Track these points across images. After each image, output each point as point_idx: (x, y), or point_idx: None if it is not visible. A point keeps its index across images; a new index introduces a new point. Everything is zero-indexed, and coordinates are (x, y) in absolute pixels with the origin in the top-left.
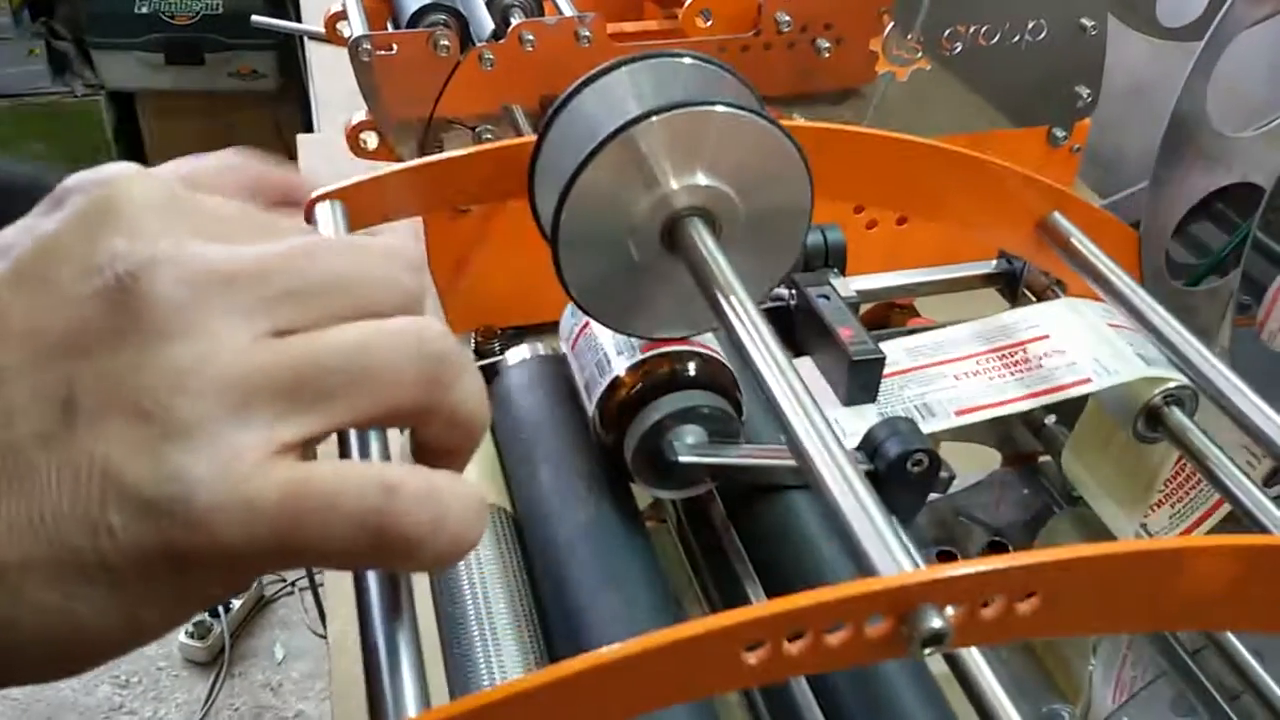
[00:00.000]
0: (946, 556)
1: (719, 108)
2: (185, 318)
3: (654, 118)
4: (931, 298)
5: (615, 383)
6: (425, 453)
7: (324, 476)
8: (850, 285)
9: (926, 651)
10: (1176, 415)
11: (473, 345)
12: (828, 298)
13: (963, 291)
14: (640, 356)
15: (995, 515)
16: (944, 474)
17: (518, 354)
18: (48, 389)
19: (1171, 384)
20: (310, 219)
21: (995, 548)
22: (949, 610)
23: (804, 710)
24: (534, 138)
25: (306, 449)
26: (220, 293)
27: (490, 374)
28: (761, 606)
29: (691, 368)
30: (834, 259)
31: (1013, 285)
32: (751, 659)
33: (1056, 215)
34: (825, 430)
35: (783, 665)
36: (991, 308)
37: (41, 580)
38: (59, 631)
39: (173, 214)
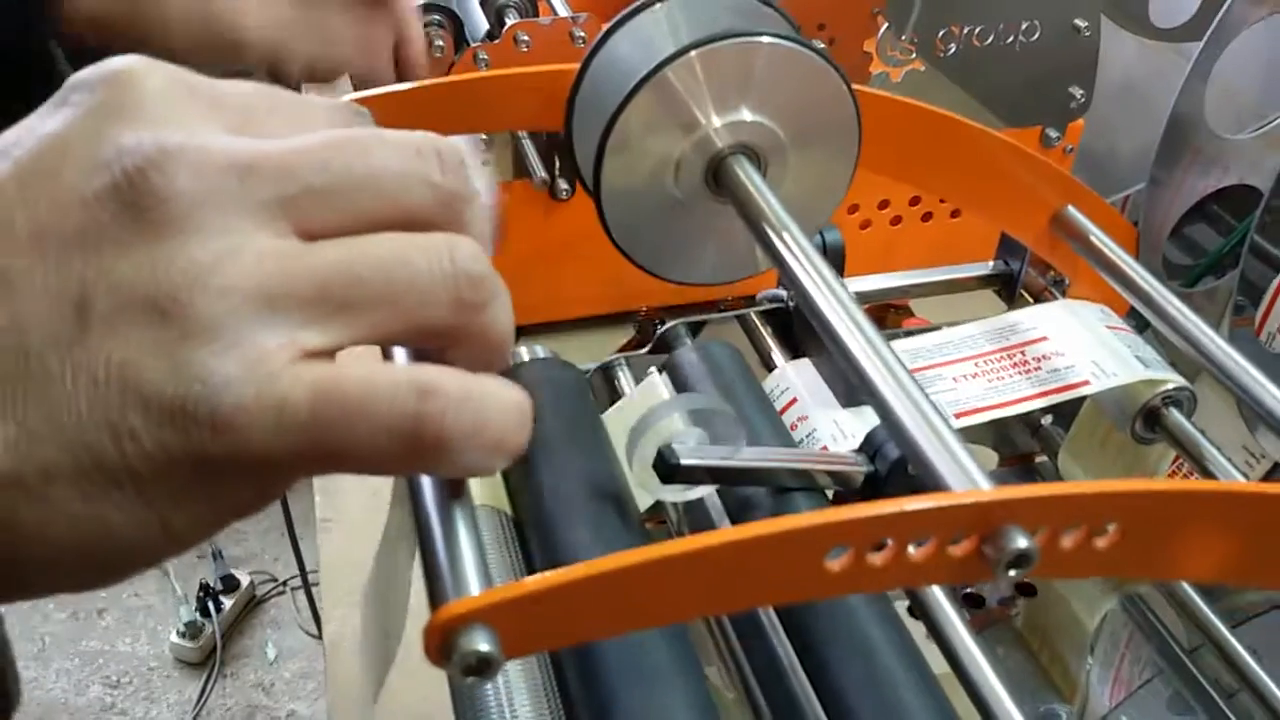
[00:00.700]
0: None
1: (764, 39)
2: (201, 214)
3: (693, 52)
4: (928, 299)
5: None
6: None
7: (356, 378)
8: (848, 287)
9: (1011, 574)
10: (1175, 416)
11: None
12: None
13: (960, 293)
14: None
15: None
16: None
17: (521, 353)
18: (59, 291)
19: (1170, 385)
20: None
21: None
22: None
23: (805, 707)
24: (575, 65)
25: (331, 359)
26: (239, 187)
27: None
28: (844, 510)
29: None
30: (832, 260)
31: (1010, 287)
32: (834, 566)
33: (1071, 209)
34: (890, 358)
35: (864, 576)
36: (988, 309)
37: (68, 488)
38: (91, 539)
39: (185, 102)
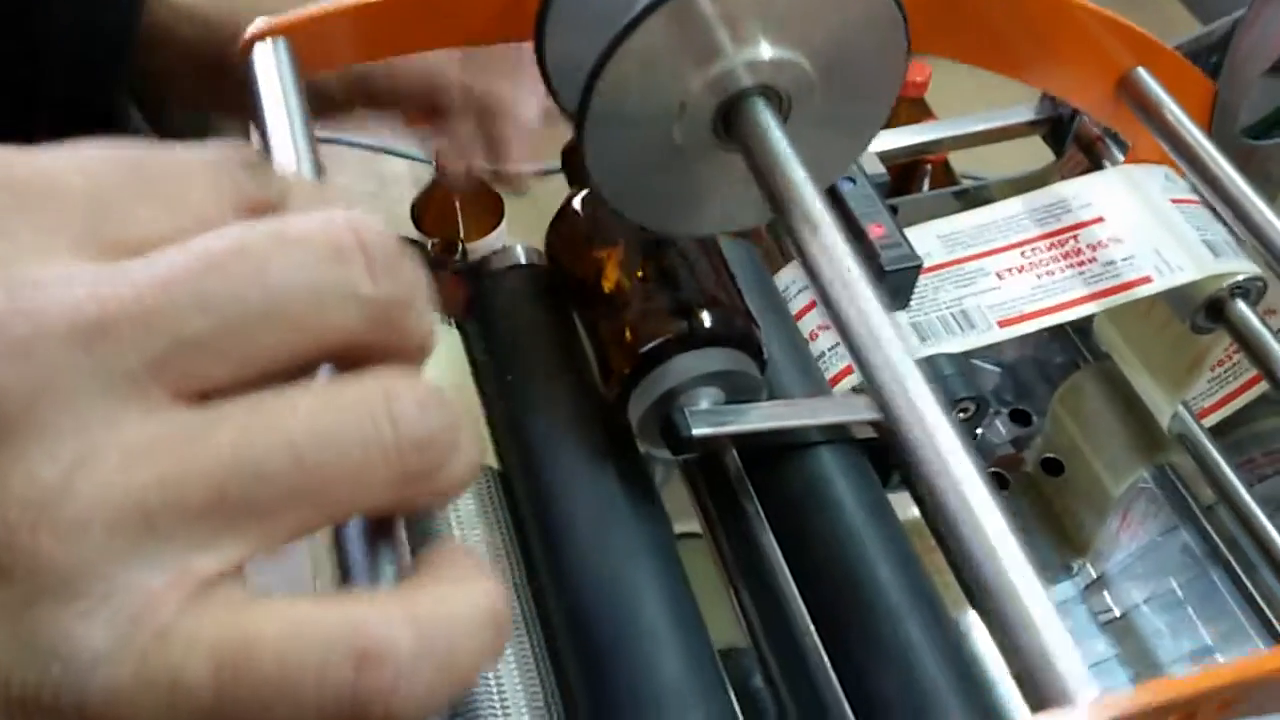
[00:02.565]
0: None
1: None
2: (40, 410)
3: None
4: (967, 152)
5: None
6: None
7: (274, 640)
8: (872, 145)
9: None
10: (1240, 308)
11: (428, 253)
12: (853, 180)
13: (1000, 143)
14: None
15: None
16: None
17: (496, 258)
18: None
19: (1240, 276)
20: (245, 61)
21: (1017, 417)
22: None
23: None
24: None
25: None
26: (88, 360)
27: (464, 284)
28: None
29: (706, 319)
30: None
31: (1059, 135)
32: None
33: (1141, 71)
34: (899, 356)
35: None
36: (1036, 159)
37: None
38: None
39: (8, 218)
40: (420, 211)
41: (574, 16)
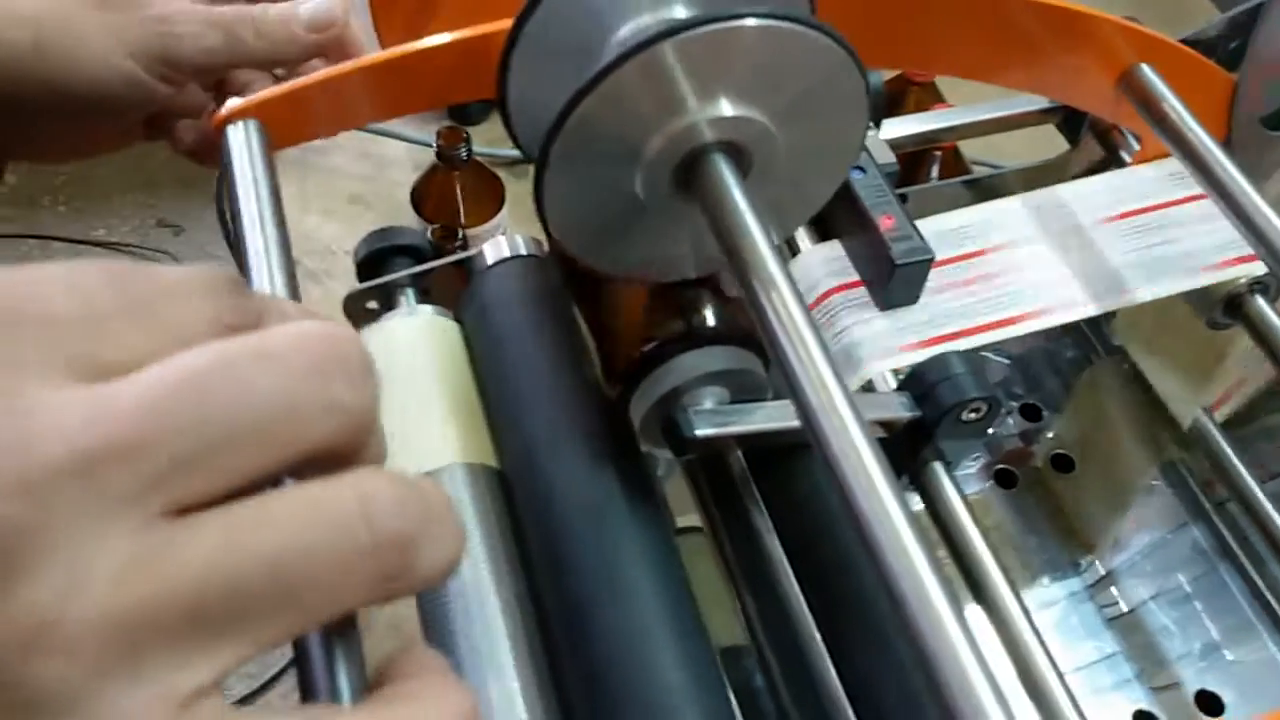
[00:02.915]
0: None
1: (749, 21)
2: (36, 537)
3: (666, 41)
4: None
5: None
6: None
7: None
8: (882, 133)
9: None
10: (1257, 304)
11: (427, 240)
12: (863, 170)
13: (1014, 130)
14: None
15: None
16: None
17: (495, 249)
18: None
19: (1258, 271)
20: (219, 145)
21: (1028, 412)
22: None
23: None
24: (505, 25)
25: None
26: (82, 489)
27: (459, 275)
28: None
29: (709, 316)
30: (873, 107)
31: (1073, 124)
32: None
33: (1143, 67)
34: (869, 452)
35: None
36: (1049, 148)
37: None
38: None
39: (6, 347)
40: (420, 196)
41: (538, 62)
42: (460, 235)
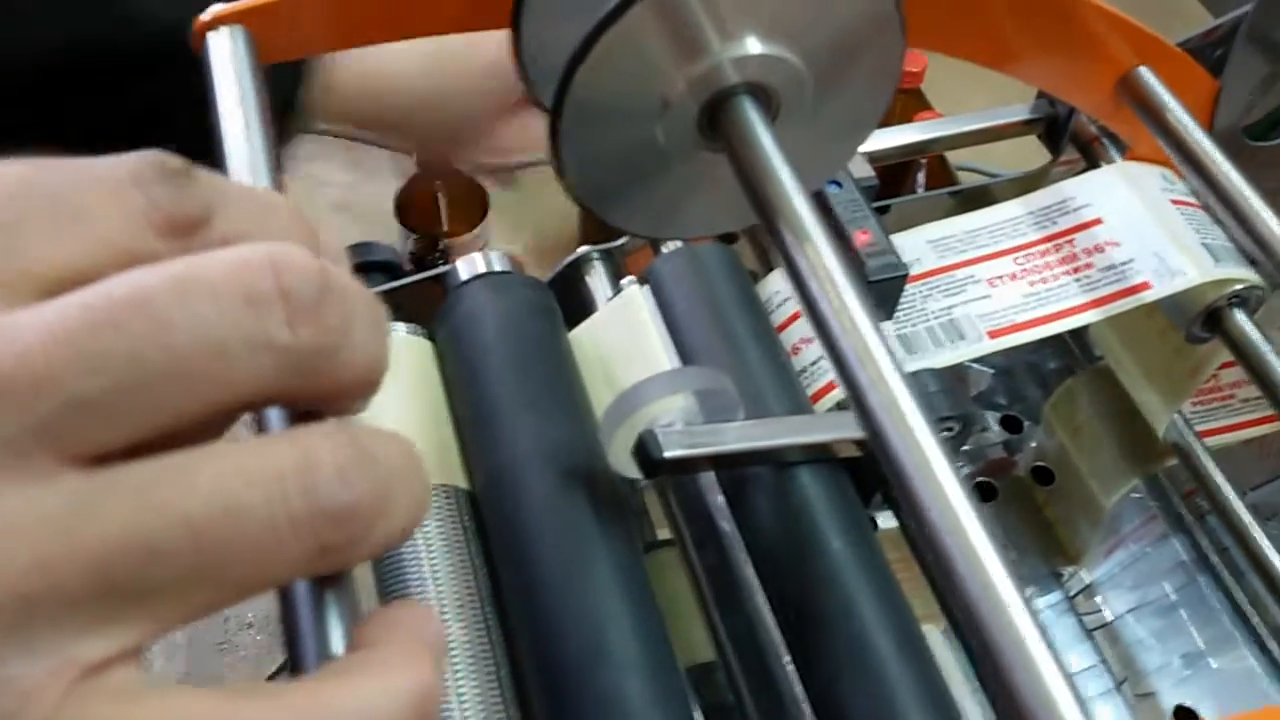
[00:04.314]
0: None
1: None
2: None
3: None
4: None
5: None
6: None
7: None
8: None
9: None
10: (1237, 318)
11: (408, 252)
12: (839, 185)
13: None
14: None
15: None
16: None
17: (469, 265)
18: None
19: (1239, 285)
20: (200, 48)
21: (1009, 424)
22: None
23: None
24: None
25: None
26: None
27: (435, 291)
28: None
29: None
30: None
31: (1055, 134)
32: None
33: (1144, 70)
34: (913, 412)
35: None
36: (1032, 158)
37: None
38: None
39: None
40: (403, 205)
41: (553, 4)
42: (440, 246)
